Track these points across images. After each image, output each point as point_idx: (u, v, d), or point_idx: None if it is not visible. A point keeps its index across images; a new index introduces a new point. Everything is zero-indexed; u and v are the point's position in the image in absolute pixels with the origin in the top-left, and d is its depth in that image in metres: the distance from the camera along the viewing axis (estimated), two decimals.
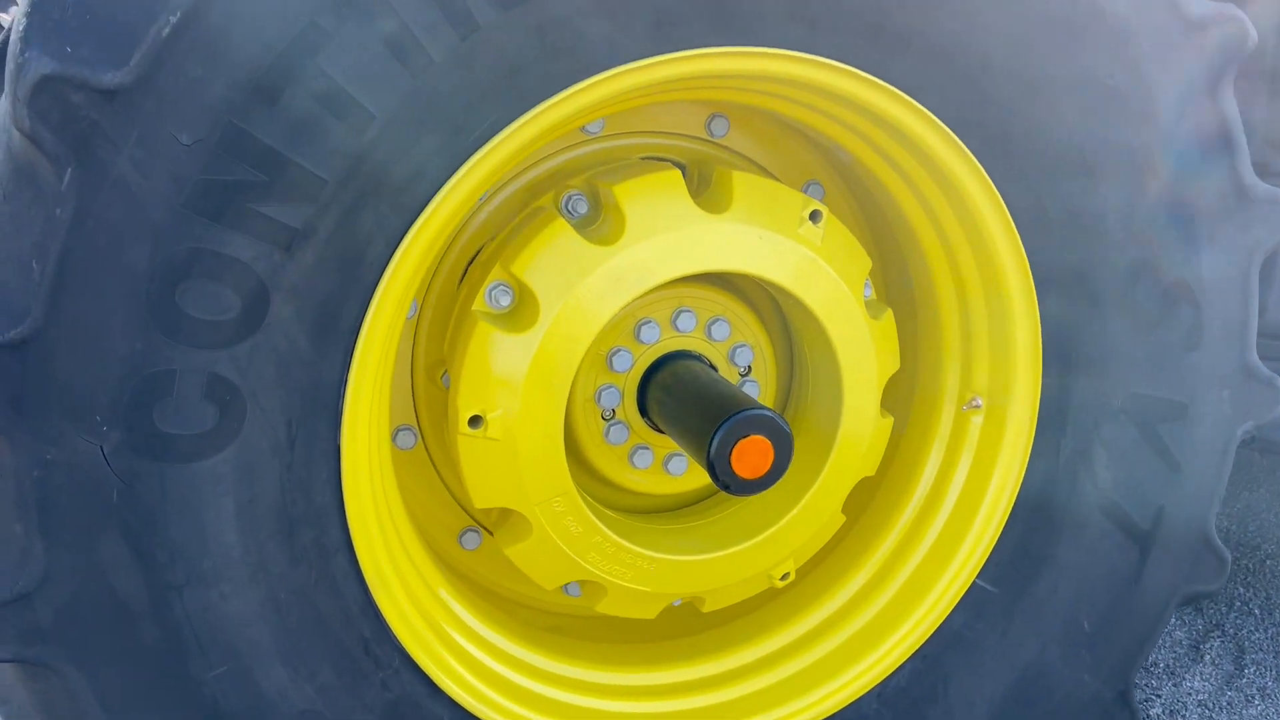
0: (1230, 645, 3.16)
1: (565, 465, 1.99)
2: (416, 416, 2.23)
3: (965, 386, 2.25)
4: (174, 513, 1.64)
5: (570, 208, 2.04)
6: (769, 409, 1.87)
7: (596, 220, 2.00)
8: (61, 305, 1.52)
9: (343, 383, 1.73)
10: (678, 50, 1.74)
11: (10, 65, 1.45)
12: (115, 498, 1.60)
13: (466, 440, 1.96)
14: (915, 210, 2.17)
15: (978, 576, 2.22)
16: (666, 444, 2.18)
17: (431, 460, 2.27)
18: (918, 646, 2.23)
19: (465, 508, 2.30)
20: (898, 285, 2.32)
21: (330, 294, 1.66)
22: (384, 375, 1.90)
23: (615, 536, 2.05)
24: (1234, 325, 2.13)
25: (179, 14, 1.46)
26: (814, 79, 1.88)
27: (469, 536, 2.31)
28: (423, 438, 2.25)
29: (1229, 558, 2.29)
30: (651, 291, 1.96)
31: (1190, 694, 2.99)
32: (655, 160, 2.20)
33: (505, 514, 2.09)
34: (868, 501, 2.35)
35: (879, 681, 2.22)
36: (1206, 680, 3.05)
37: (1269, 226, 2.09)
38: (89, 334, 1.54)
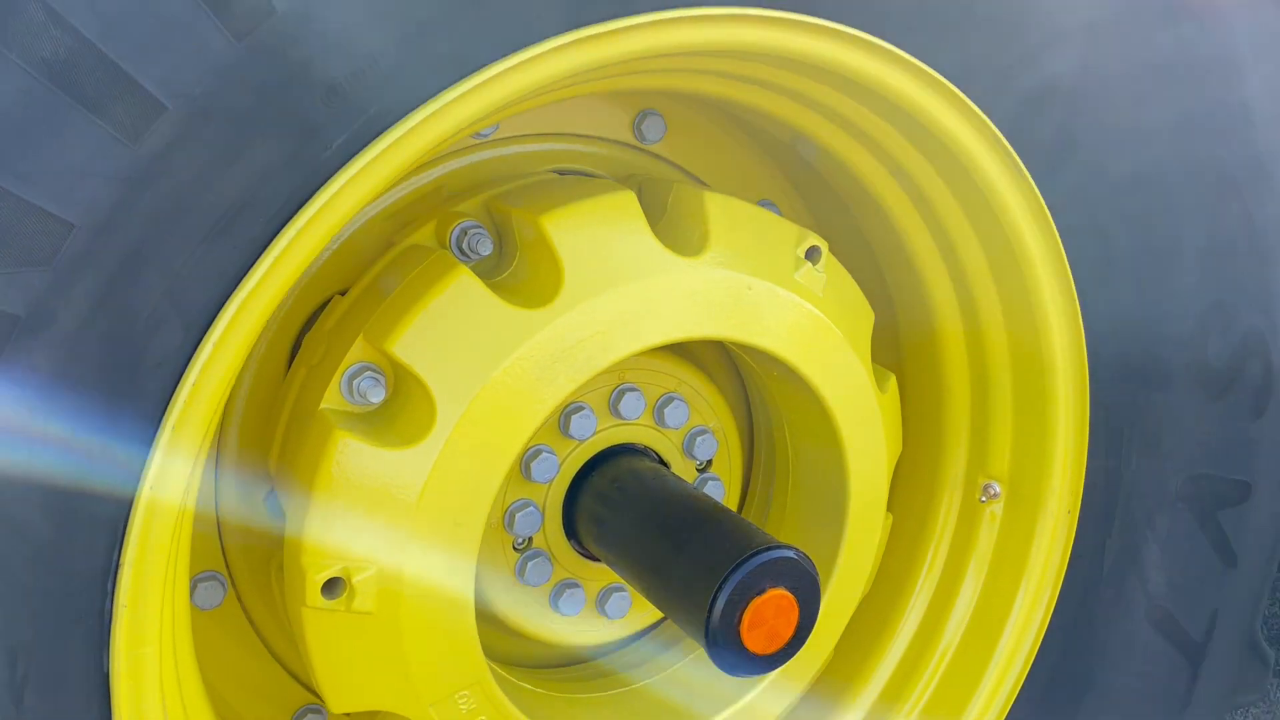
0: None
1: (477, 643, 1.31)
2: (225, 559, 1.48)
3: (977, 470, 1.72)
4: None
5: (466, 247, 1.36)
6: (790, 546, 1.27)
7: (509, 266, 1.34)
8: None
9: (111, 571, 0.99)
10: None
11: None
12: None
13: (318, 616, 1.25)
14: (920, 237, 1.62)
15: (1007, 715, 1.70)
16: (601, 574, 1.54)
17: (249, 618, 1.52)
18: None
19: (302, 680, 1.57)
20: (882, 339, 1.76)
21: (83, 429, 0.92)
22: (184, 528, 1.16)
23: None
24: None
25: None
26: (818, 53, 1.30)
27: None
28: (235, 587, 1.50)
29: (1272, 658, 1.87)
30: None
31: None
32: (573, 175, 1.55)
33: (376, 714, 1.39)
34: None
35: None
36: None
37: None
38: None
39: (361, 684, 1.29)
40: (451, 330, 1.24)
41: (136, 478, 0.97)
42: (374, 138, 1.01)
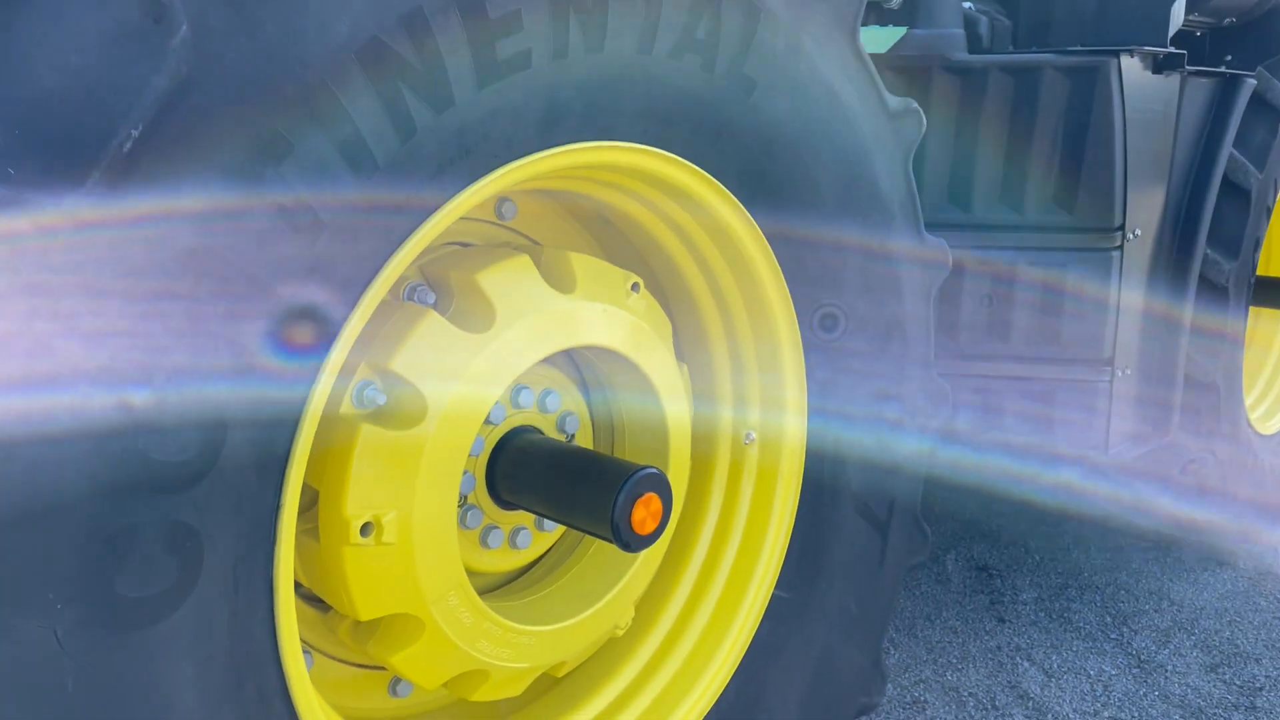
0: None
1: (459, 556, 1.97)
2: None
3: (740, 424, 2.56)
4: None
5: (417, 299, 2.03)
6: (653, 467, 2.03)
7: (449, 309, 2.01)
8: None
9: (278, 509, 1.59)
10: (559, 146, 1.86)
11: None
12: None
13: (356, 551, 1.86)
14: (689, 268, 2.44)
15: (776, 587, 2.54)
16: (513, 519, 2.22)
17: None
18: (739, 662, 2.49)
19: None
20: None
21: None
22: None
23: (505, 620, 2.06)
24: (924, 346, 2.68)
25: (141, 126, 1.29)
26: (649, 169, 2.10)
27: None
28: None
29: (930, 532, 2.85)
30: None
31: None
32: (459, 246, 2.24)
33: (376, 622, 2.00)
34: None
35: (714, 703, 2.45)
36: None
37: (938, 268, 2.67)
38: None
39: (385, 595, 1.91)
40: (430, 350, 1.91)
41: (293, 436, 1.58)
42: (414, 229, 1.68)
